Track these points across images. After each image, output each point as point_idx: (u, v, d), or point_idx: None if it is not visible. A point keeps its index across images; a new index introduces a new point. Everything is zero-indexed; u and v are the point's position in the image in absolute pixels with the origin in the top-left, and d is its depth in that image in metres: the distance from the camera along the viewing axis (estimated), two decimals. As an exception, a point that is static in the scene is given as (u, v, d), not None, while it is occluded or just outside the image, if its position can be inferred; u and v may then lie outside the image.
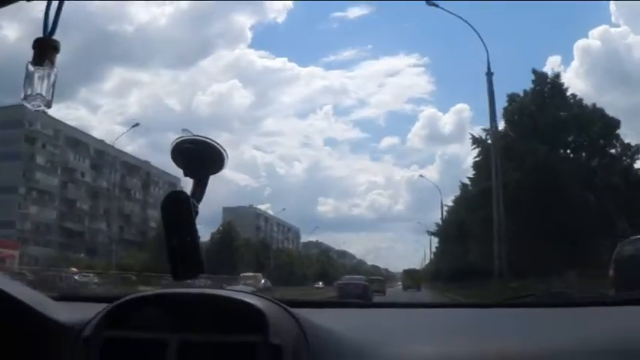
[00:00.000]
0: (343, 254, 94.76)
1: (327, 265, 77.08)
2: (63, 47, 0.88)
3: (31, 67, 0.86)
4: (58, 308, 1.00)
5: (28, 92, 0.86)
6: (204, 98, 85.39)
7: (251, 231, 62.75)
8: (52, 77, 0.86)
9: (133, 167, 59.20)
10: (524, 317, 1.12)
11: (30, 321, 0.94)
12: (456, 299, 13.54)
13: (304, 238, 79.82)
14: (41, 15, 0.87)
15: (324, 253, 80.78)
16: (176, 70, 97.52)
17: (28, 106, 0.87)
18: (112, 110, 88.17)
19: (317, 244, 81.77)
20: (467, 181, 25.89)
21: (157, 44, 77.05)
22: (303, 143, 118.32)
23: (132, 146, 77.17)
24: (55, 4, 0.86)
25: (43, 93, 0.86)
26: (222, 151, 0.95)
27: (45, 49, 0.86)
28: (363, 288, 17.32)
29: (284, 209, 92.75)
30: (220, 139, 0.97)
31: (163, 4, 78.13)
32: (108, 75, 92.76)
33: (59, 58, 0.88)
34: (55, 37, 0.86)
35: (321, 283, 49.95)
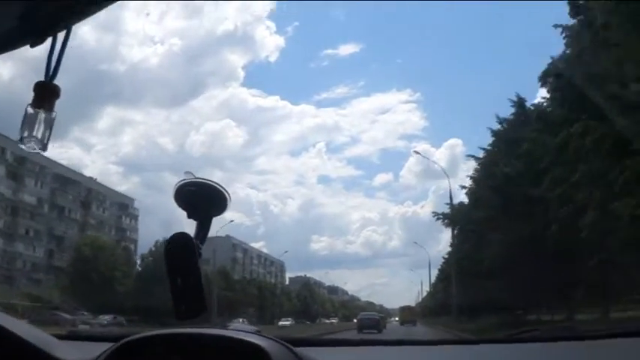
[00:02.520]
0: (334, 290, 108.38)
1: (310, 300, 77.83)
2: None
3: (30, 110, 1.04)
4: (62, 347, 1.20)
5: (25, 134, 1.04)
6: (198, 137, 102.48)
7: (227, 263, 64.32)
8: (50, 122, 1.05)
9: (69, 181, 58.93)
10: (530, 352, 1.32)
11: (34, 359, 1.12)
12: (456, 334, 16.42)
13: (293, 274, 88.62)
14: (39, 55, 1.06)
15: (306, 287, 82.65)
16: (169, 109, 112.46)
17: (23, 147, 1.06)
18: (106, 149, 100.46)
19: (305, 280, 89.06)
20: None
21: (148, 83, 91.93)
22: (296, 181, 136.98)
23: (126, 185, 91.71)
24: (57, 49, 1.04)
25: (39, 136, 1.05)
26: (226, 193, 1.15)
27: (45, 93, 1.04)
28: (376, 321, 28.60)
29: (286, 252, 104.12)
30: (214, 177, 1.18)
31: (155, 43, 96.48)
32: (100, 114, 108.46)
33: None
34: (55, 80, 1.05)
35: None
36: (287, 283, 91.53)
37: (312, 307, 79.65)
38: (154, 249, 51.35)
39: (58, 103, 1.07)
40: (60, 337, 1.32)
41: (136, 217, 68.70)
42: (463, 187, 32.21)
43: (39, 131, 1.05)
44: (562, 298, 23.60)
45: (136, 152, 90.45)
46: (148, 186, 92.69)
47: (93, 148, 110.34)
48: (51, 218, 56.00)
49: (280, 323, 47.57)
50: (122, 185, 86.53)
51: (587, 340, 1.39)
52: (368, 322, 28.04)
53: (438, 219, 31.51)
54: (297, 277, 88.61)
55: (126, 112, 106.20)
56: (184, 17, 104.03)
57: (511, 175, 22.69)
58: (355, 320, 37.62)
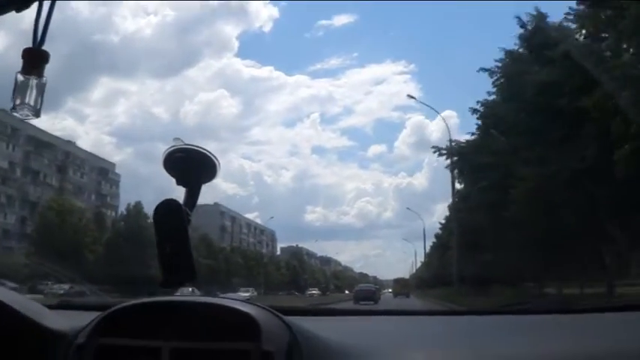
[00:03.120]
0: (327, 261, 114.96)
1: (300, 271, 79.05)
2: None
3: (20, 77, 1.11)
4: (52, 316, 1.28)
5: (17, 102, 1.11)
6: (192, 107, 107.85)
7: (215, 232, 65.45)
8: (41, 87, 1.12)
9: (44, 144, 58.37)
10: (521, 324, 1.41)
11: (25, 329, 1.21)
12: (447, 305, 16.01)
13: (285, 244, 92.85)
14: (27, 25, 1.12)
15: (296, 256, 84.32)
16: (163, 80, 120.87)
17: (17, 115, 1.12)
18: (100, 120, 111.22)
19: (297, 250, 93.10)
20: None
21: (142, 54, 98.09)
22: (290, 152, 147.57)
23: (120, 156, 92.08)
24: (44, 15, 1.10)
25: (32, 103, 1.12)
26: (215, 159, 1.22)
27: (34, 59, 1.11)
28: (373, 292, 32.83)
29: (272, 217, 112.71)
30: (208, 147, 1.23)
31: (149, 14, 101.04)
32: (94, 85, 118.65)
33: (46, 66, 1.13)
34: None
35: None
36: (278, 253, 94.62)
37: (302, 277, 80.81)
38: (125, 213, 51.46)
39: (51, 74, 1.14)
40: (51, 307, 1.40)
41: (117, 183, 68.81)
42: (474, 110, 24.28)
43: (31, 98, 1.11)
44: (598, 266, 21.56)
45: (130, 122, 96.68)
46: (141, 156, 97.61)
47: (87, 119, 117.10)
48: (24, 183, 55.80)
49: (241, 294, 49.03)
50: (116, 156, 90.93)
51: (579, 314, 1.48)
52: (365, 294, 31.34)
53: (440, 154, 26.92)
54: (289, 247, 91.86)
55: (120, 83, 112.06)
56: None
57: (550, 81, 17.40)
58: (347, 292, 44.09)
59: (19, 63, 1.11)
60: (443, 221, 44.57)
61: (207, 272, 47.42)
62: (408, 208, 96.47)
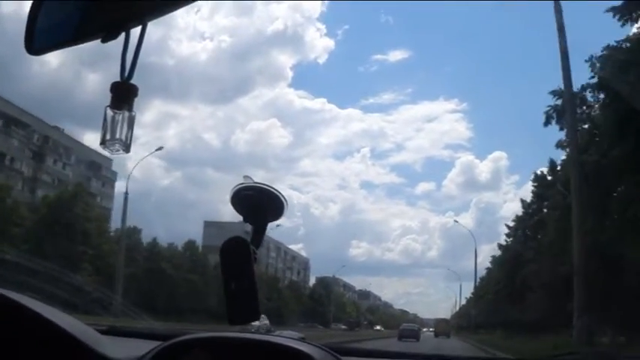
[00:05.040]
0: (366, 295, 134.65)
1: (326, 302, 79.57)
2: (104, 77, 1.38)
3: (109, 112, 1.35)
4: (104, 342, 1.56)
5: (107, 137, 1.35)
6: (243, 135, 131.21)
7: None
8: (131, 121, 1.36)
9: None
10: None
11: (78, 353, 1.49)
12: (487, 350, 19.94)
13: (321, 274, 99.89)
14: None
15: (325, 286, 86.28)
16: (215, 106, 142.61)
17: (106, 151, 1.38)
18: (149, 142, 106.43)
19: (334, 281, 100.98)
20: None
21: (196, 79, 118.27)
22: (339, 185, 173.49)
23: (168, 179, 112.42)
24: (132, 48, 1.33)
25: (122, 138, 1.35)
26: (283, 199, 1.50)
27: (123, 93, 1.35)
28: (415, 331, 45.79)
29: (278, 225, 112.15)
30: (257, 177, 1.53)
31: (205, 39, 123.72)
32: (146, 107, 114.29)
33: (99, 85, 1.37)
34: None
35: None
36: (313, 282, 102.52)
37: (327, 309, 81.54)
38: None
39: (102, 94, 1.37)
40: (103, 332, 1.68)
41: (111, 182, 70.01)
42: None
43: (122, 132, 1.35)
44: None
45: (181, 146, 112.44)
46: (190, 180, 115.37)
47: (137, 140, 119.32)
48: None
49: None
50: (164, 179, 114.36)
51: None
52: (408, 332, 43.90)
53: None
54: (325, 277, 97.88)
55: (172, 107, 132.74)
56: (235, 15, 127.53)
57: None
58: (378, 327, 58.52)
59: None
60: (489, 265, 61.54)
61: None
62: (448, 269, 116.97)
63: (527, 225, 45.86)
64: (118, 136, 1.35)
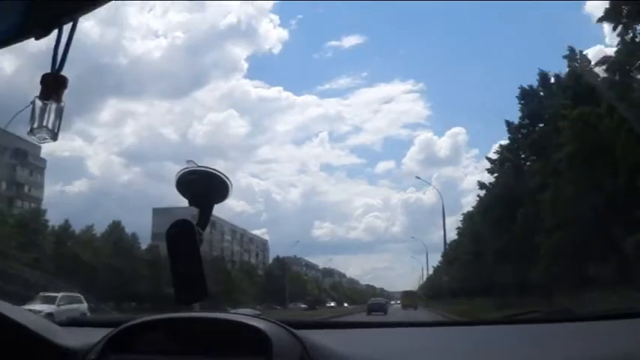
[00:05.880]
0: (330, 273, 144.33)
1: (284, 281, 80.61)
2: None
3: (38, 102, 1.50)
4: (63, 333, 1.73)
5: (35, 125, 1.50)
6: (201, 127, 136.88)
7: None
8: (59, 111, 1.52)
9: None
10: (529, 334, 1.85)
11: (37, 347, 1.65)
12: (452, 317, 19.90)
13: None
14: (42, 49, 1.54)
15: (282, 266, 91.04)
16: (171, 101, 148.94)
17: (34, 139, 1.54)
18: (108, 141, 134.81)
19: (295, 261, 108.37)
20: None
21: (151, 76, 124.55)
22: (299, 170, 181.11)
23: (128, 175, 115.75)
24: (63, 41, 1.48)
25: (50, 126, 1.51)
26: (227, 180, 1.67)
27: (53, 84, 1.50)
28: (383, 304, 50.86)
29: (297, 242, 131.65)
30: (216, 166, 1.65)
31: (158, 37, 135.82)
32: (102, 106, 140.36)
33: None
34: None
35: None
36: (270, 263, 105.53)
37: (285, 289, 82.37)
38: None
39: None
40: (62, 324, 1.85)
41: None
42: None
43: (49, 121, 1.50)
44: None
45: (139, 143, 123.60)
46: (150, 176, 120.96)
47: (95, 140, 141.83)
48: None
49: None
50: (124, 175, 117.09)
51: (586, 322, 1.93)
52: (376, 306, 47.54)
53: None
54: (285, 257, 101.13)
55: (128, 104, 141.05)
56: (188, 11, 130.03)
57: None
58: (346, 305, 64.84)
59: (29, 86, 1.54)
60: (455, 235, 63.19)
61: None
62: (412, 237, 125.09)
63: (520, 147, 42.43)
64: (45, 124, 1.50)
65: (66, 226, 55.88)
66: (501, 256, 38.97)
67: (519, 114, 42.48)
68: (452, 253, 60.45)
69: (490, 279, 38.80)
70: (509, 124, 43.64)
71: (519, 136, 42.81)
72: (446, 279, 57.30)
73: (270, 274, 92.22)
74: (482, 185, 49.24)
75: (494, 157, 47.00)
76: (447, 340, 1.87)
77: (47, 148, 67.72)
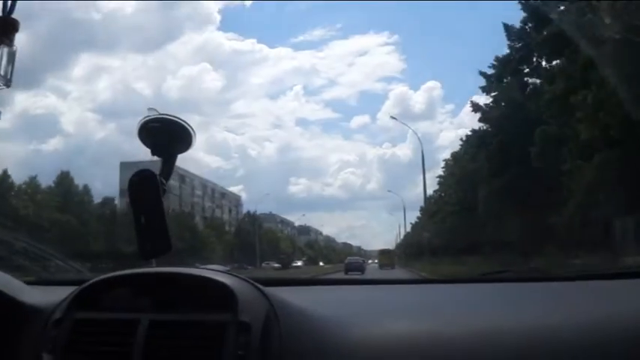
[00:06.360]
0: (306, 230, 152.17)
1: (253, 238, 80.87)
2: (29, 35, 1.58)
3: None
4: (29, 292, 1.75)
5: None
6: (174, 82, 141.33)
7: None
8: (12, 56, 1.55)
9: None
10: (501, 292, 1.92)
11: (1, 304, 1.67)
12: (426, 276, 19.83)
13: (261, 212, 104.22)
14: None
15: (248, 221, 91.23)
16: (145, 55, 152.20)
17: None
18: (82, 97, 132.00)
19: (271, 217, 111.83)
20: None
21: (123, 29, 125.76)
22: (274, 124, 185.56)
23: (103, 132, 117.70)
24: None
25: (2, 72, 1.54)
26: (190, 129, 1.68)
27: (4, 27, 1.49)
28: (360, 263, 53.79)
29: (268, 194, 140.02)
30: (191, 121, 1.67)
31: None
32: (75, 61, 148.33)
33: (26, 44, 1.58)
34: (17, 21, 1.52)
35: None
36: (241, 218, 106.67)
37: (256, 246, 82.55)
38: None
39: (31, 51, 1.58)
40: (29, 283, 1.87)
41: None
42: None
43: (1, 67, 1.54)
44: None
45: (113, 98, 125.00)
46: (124, 132, 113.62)
47: (69, 96, 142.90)
48: None
49: None
50: (99, 132, 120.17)
51: (557, 282, 2.01)
52: (353, 266, 49.79)
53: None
54: (261, 214, 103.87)
55: (101, 59, 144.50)
56: None
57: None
58: (322, 264, 66.06)
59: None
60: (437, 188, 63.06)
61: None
62: (389, 191, 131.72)
63: (524, 56, 34.64)
64: None
65: (4, 177, 54.63)
66: (502, 200, 32.90)
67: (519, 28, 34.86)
68: (433, 206, 59.72)
69: (484, 232, 33.88)
70: (508, 28, 35.40)
71: (522, 43, 34.75)
72: (426, 235, 53.98)
73: (241, 231, 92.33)
74: (476, 107, 40.22)
75: (489, 72, 38.26)
76: (418, 298, 1.93)
77: (19, 106, 69.96)
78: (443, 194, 61.61)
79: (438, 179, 64.79)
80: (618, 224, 24.64)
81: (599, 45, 20.56)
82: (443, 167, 63.79)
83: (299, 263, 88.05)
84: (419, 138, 56.12)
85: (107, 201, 64.81)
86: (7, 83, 1.51)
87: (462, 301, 1.85)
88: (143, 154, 1.76)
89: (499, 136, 35.00)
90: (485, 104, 39.56)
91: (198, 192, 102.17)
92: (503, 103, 37.15)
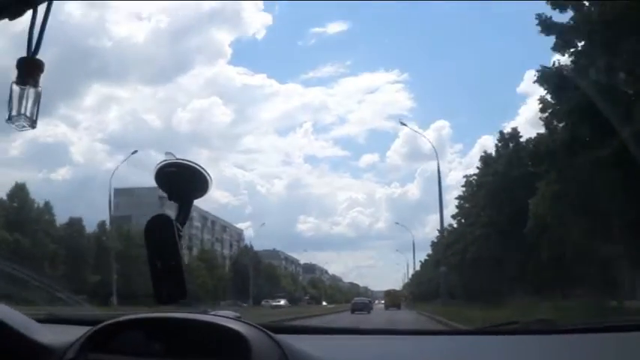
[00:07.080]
0: (311, 268, 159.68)
1: (253, 274, 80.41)
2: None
3: (15, 87, 1.58)
4: (41, 330, 1.81)
5: (13, 113, 1.59)
6: (184, 115, 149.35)
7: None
8: (37, 97, 1.59)
9: None
10: (508, 345, 1.99)
11: (14, 343, 1.73)
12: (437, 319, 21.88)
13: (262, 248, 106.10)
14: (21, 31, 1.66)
15: (245, 255, 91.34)
16: (155, 86, 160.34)
17: (12, 126, 1.61)
18: (92, 126, 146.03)
19: (274, 253, 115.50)
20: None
21: (135, 60, 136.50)
22: (283, 161, 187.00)
23: (111, 163, 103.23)
24: (38, 22, 1.57)
25: (28, 113, 1.59)
26: (207, 175, 1.75)
27: (29, 68, 1.59)
28: (367, 304, 59.42)
29: (263, 224, 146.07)
30: (200, 156, 1.93)
31: (142, 19, 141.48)
32: (86, 91, 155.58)
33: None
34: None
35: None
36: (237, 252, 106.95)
37: (253, 282, 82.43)
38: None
39: (43, 79, 1.61)
40: (39, 320, 1.93)
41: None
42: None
43: (27, 108, 1.61)
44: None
45: (123, 129, 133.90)
46: (134, 163, 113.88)
47: (79, 125, 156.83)
48: None
49: None
50: (108, 163, 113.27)
51: (565, 334, 2.06)
52: (360, 306, 54.18)
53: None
54: (265, 250, 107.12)
55: (112, 89, 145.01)
56: None
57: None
58: (325, 304, 72.54)
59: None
60: (435, 240, 64.89)
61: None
62: (397, 223, 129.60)
63: None
64: (23, 111, 1.62)
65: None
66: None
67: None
68: (450, 235, 55.91)
69: (531, 258, 32.88)
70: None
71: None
72: (443, 269, 44.96)
73: (238, 265, 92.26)
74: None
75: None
76: (426, 350, 2.01)
77: (30, 135, 72.16)
78: (463, 220, 57.89)
79: (457, 201, 61.85)
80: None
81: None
82: (463, 186, 60.55)
83: (281, 302, 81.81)
84: (434, 147, 51.62)
85: (74, 222, 62.11)
86: (33, 125, 1.56)
87: (470, 353, 1.94)
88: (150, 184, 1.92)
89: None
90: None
91: (197, 224, 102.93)
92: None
